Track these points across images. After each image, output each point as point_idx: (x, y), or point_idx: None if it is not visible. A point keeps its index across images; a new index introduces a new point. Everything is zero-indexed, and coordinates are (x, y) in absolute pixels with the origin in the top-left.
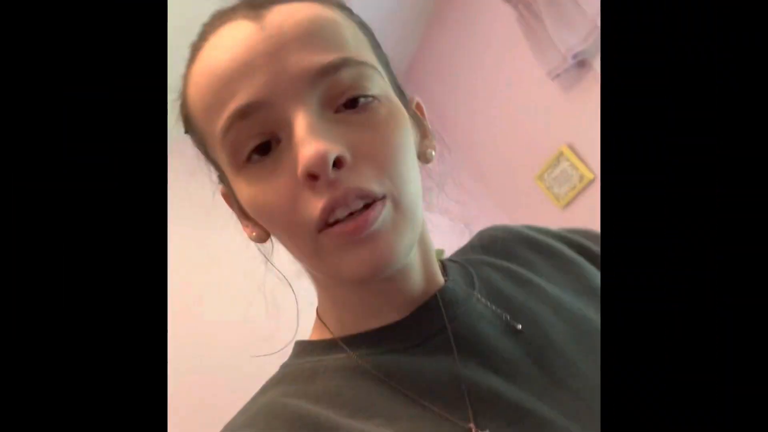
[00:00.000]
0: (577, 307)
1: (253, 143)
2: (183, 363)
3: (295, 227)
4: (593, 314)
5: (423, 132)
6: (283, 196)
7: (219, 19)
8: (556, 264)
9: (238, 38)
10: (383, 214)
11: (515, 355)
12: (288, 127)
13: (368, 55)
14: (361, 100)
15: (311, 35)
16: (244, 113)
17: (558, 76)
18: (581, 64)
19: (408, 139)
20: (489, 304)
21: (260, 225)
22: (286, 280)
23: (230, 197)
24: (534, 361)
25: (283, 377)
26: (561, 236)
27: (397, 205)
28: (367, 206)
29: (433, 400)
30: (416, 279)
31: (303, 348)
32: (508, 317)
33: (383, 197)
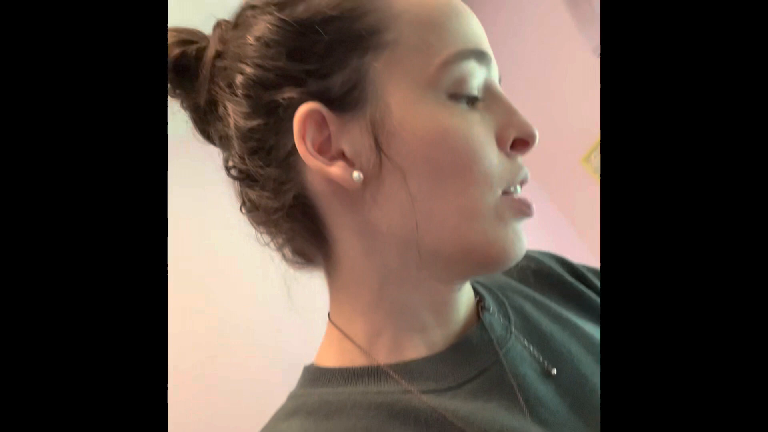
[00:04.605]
0: None
1: (473, 91)
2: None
3: (487, 178)
4: None
5: None
6: (489, 145)
7: None
8: (581, 305)
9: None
10: None
11: (555, 402)
12: (491, 96)
13: None
14: None
15: None
16: (485, 57)
17: None
18: None
19: None
20: (526, 343)
21: (363, 165)
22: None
23: (319, 120)
24: (570, 406)
25: (299, 409)
26: (582, 276)
27: None
28: None
29: None
30: (464, 296)
31: (319, 375)
32: (544, 359)
33: None
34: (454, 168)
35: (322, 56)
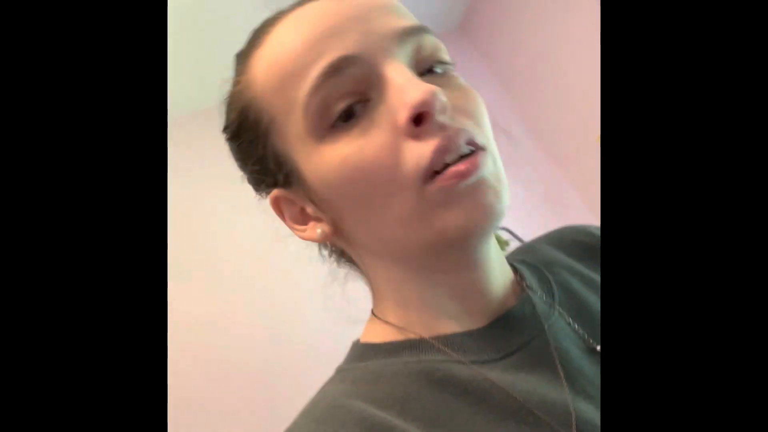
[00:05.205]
0: None
1: (343, 102)
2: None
3: (399, 182)
4: None
5: None
6: (384, 148)
7: (292, 7)
8: None
9: (322, 10)
10: (488, 162)
11: (598, 378)
12: (380, 83)
13: None
14: (442, 67)
15: (391, 6)
16: (336, 68)
17: None
18: None
19: None
20: (570, 320)
21: (327, 217)
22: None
23: (286, 200)
24: None
25: (344, 378)
26: None
27: (495, 160)
28: (472, 153)
29: (518, 422)
30: (495, 274)
31: (364, 351)
32: (588, 335)
33: (483, 148)
34: (364, 192)
35: (252, 155)
